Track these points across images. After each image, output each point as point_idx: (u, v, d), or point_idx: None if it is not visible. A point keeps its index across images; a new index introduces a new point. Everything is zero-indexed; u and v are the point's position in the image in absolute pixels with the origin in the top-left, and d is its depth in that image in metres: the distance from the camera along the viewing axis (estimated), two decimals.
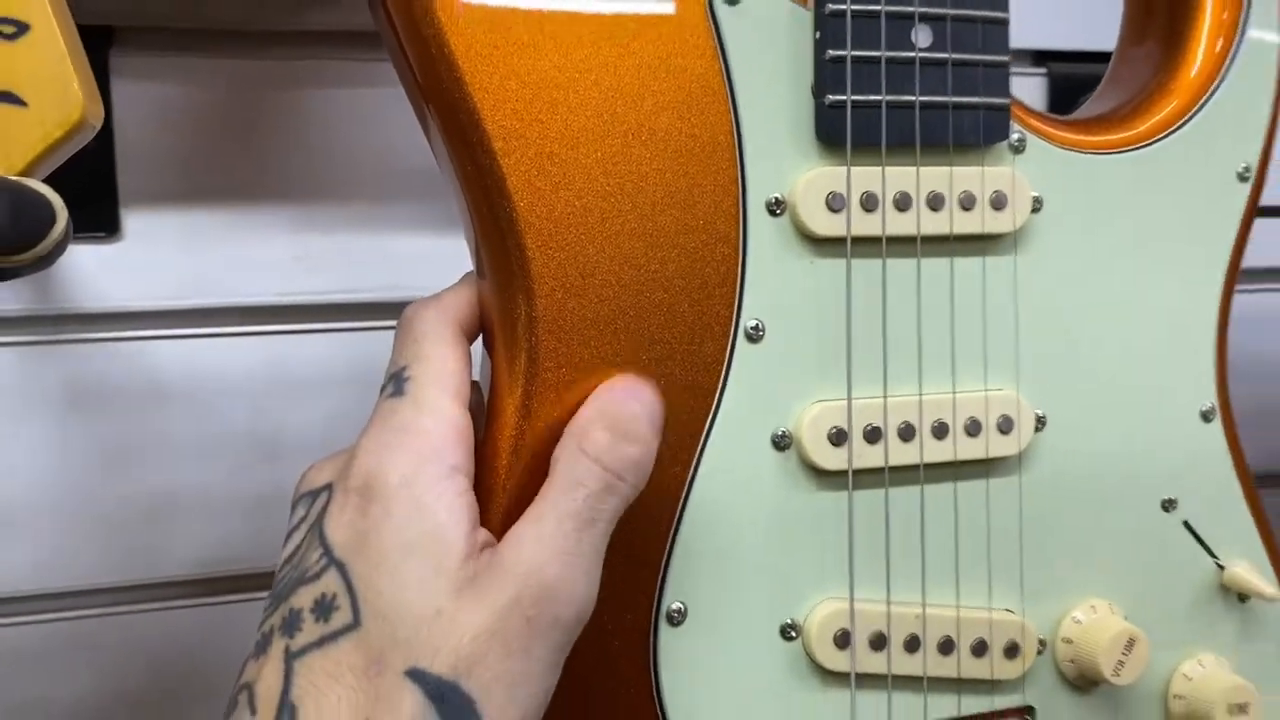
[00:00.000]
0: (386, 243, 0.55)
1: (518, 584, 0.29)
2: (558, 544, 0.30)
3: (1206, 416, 0.41)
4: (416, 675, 0.28)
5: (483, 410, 0.35)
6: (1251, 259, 0.48)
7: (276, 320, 0.56)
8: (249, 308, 0.55)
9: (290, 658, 0.30)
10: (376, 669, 0.29)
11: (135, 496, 0.54)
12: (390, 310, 0.57)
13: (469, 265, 0.37)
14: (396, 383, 0.33)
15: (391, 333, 0.59)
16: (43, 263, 0.31)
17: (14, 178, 0.28)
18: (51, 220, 0.29)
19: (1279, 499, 0.76)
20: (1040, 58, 0.64)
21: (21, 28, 0.30)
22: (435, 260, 0.51)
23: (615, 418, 0.32)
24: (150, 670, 0.55)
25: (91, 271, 0.52)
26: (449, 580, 0.29)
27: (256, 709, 0.29)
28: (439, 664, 0.28)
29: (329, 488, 0.33)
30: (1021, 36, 0.64)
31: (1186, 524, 0.41)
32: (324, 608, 0.30)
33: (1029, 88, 0.64)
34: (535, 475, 0.33)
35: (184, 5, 0.51)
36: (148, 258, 0.53)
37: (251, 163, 0.55)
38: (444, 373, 0.33)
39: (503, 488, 0.34)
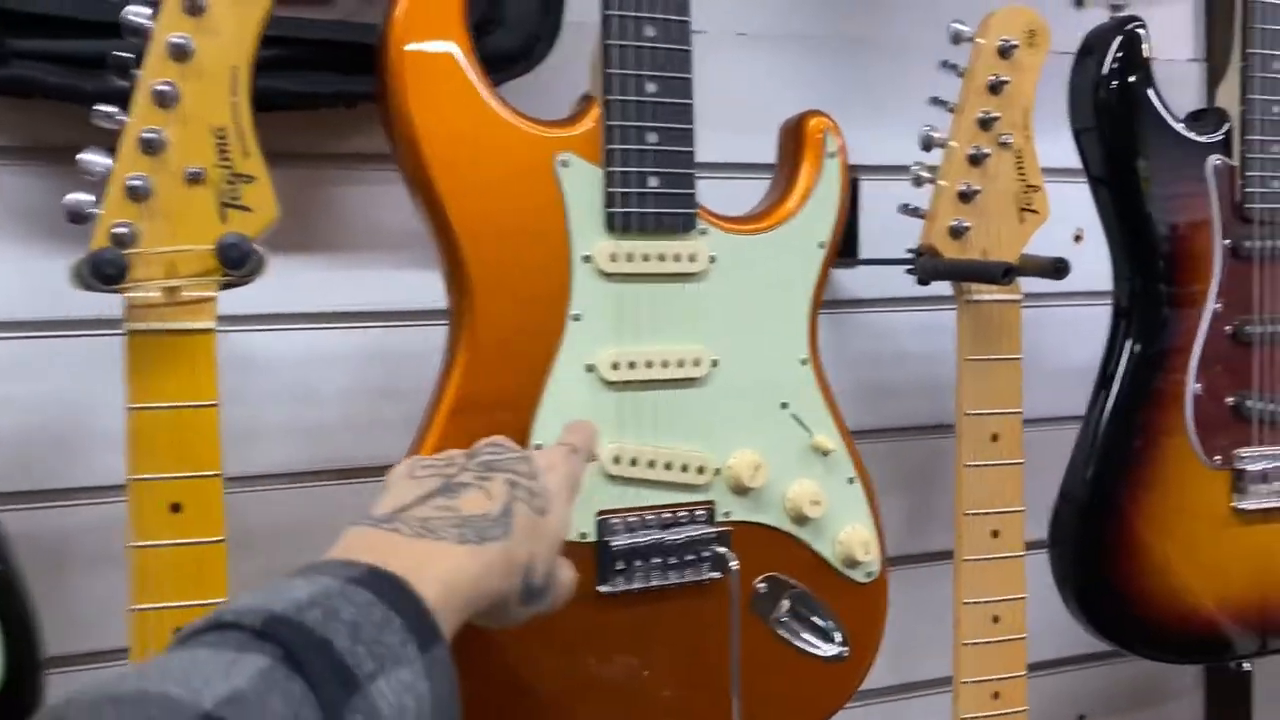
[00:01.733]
0: (387, 274, 0.95)
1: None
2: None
3: (804, 362, 0.83)
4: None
5: None
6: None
7: (313, 322, 0.95)
8: (296, 314, 0.94)
9: (514, 489, 0.59)
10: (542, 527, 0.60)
11: (235, 420, 0.92)
12: (386, 316, 0.96)
13: (441, 288, 0.77)
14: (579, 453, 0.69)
15: (383, 329, 0.98)
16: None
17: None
18: (261, 261, 0.69)
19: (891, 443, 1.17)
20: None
21: (251, 178, 0.70)
22: (419, 286, 0.92)
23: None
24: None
25: None
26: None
27: (491, 495, 0.58)
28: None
29: (529, 463, 0.63)
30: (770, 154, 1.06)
31: (794, 415, 0.82)
32: (536, 497, 0.60)
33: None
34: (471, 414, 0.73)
35: (276, 139, 0.91)
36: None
37: (308, 229, 0.94)
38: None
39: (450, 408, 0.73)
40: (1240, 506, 1.00)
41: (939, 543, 1.16)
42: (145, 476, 0.68)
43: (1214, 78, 1.28)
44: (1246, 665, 1.12)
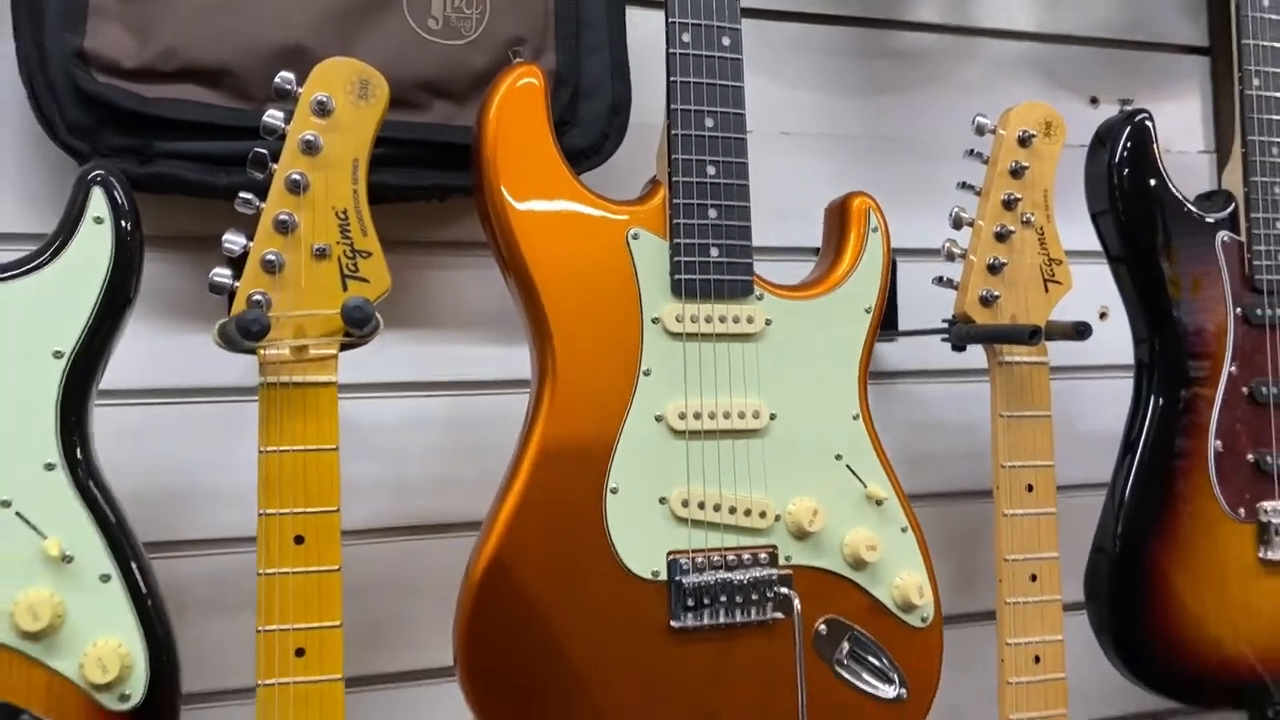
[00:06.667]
0: (467, 349, 1.05)
1: None
2: None
3: (855, 417, 0.91)
4: None
5: None
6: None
7: (400, 390, 1.04)
8: (385, 383, 1.04)
9: None
10: None
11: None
12: (466, 385, 1.05)
13: (512, 362, 0.86)
14: None
15: (463, 397, 1.08)
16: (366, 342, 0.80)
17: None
18: (379, 324, 0.79)
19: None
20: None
21: (368, 254, 0.80)
22: (495, 360, 1.02)
23: None
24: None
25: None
26: None
27: None
28: None
29: None
30: (810, 239, 1.16)
31: (848, 466, 0.90)
32: None
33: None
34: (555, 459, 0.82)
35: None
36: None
37: (399, 308, 1.04)
38: None
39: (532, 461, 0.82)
40: (1267, 557, 1.06)
41: (982, 602, 1.22)
42: (273, 511, 0.77)
43: (1223, 166, 1.37)
44: None
